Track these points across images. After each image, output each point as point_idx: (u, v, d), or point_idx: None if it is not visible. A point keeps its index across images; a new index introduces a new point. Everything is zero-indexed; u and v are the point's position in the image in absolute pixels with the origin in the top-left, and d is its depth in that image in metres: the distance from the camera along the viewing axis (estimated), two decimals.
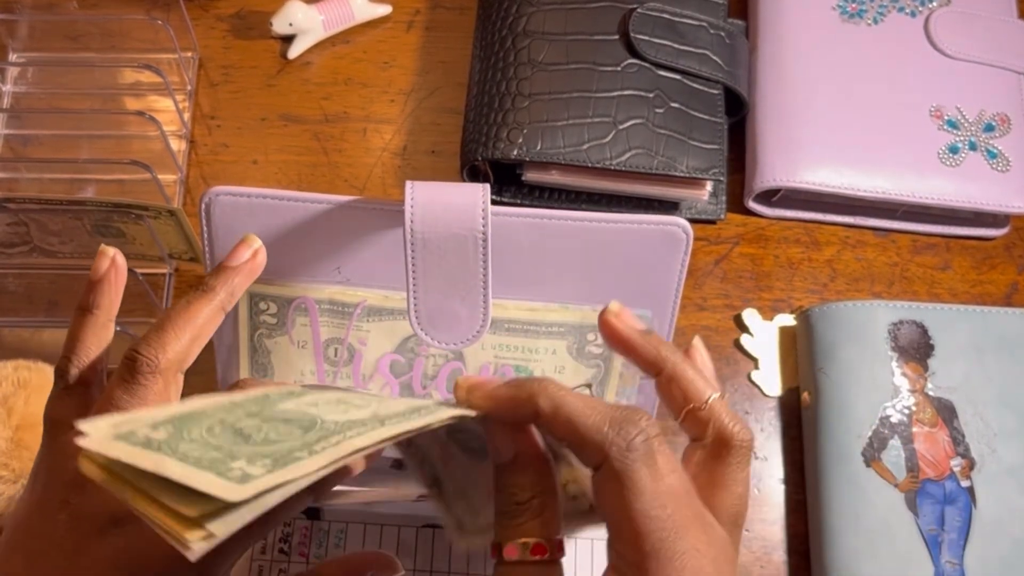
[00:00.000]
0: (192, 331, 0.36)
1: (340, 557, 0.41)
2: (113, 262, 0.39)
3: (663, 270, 0.45)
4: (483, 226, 0.41)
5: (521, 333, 0.48)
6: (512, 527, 0.32)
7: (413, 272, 0.42)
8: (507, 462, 0.33)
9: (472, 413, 0.32)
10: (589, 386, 0.49)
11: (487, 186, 0.41)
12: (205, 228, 0.45)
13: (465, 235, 0.41)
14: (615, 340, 0.36)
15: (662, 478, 0.30)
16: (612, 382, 0.49)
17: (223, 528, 0.23)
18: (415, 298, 0.43)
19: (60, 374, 0.37)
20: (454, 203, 0.41)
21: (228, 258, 0.39)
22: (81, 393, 0.37)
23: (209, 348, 0.50)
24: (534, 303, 0.47)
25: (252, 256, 0.39)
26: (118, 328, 0.39)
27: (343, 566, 0.41)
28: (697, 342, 0.39)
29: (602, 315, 0.36)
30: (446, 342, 0.44)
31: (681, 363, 0.35)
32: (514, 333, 0.48)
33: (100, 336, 0.38)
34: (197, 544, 0.23)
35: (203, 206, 0.44)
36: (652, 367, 0.36)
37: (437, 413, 0.30)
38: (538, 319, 0.47)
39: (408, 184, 0.41)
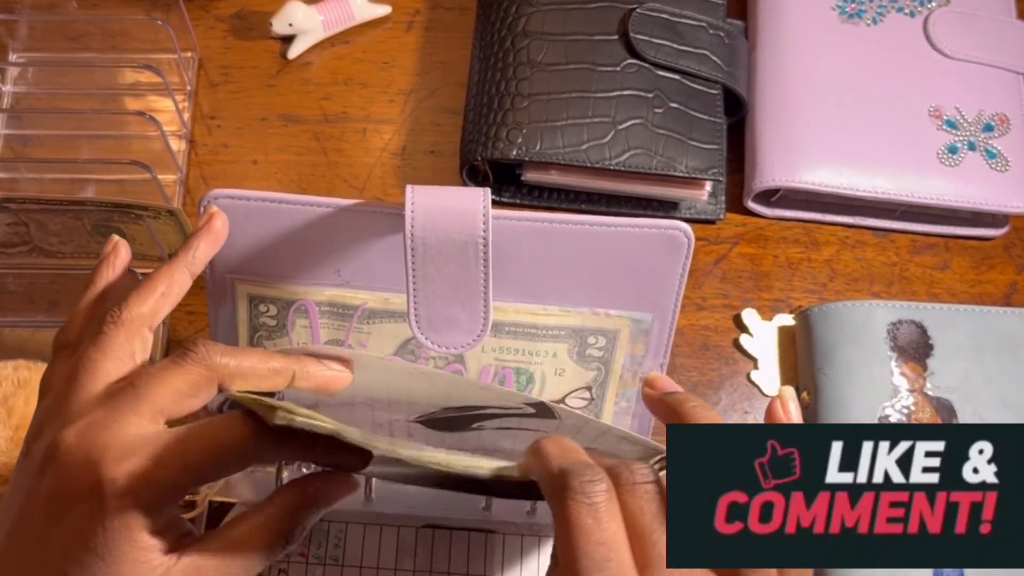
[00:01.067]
0: (152, 290, 0.38)
1: (294, 480, 0.39)
2: (115, 246, 0.42)
3: (664, 274, 0.45)
4: (484, 231, 0.41)
5: (522, 336, 0.48)
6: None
7: (413, 277, 0.42)
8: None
9: (513, 471, 0.36)
10: (589, 388, 0.49)
11: (487, 190, 0.41)
12: None
13: (466, 240, 0.41)
14: (650, 407, 0.40)
15: (606, 524, 0.31)
16: (612, 384, 0.49)
17: (296, 420, 0.32)
18: (415, 302, 0.43)
19: (55, 344, 0.39)
20: (455, 208, 0.41)
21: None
22: (70, 355, 0.38)
23: None
24: (535, 306, 0.47)
25: (208, 220, 0.41)
26: None
27: (296, 491, 0.38)
28: (787, 393, 0.38)
29: (642, 387, 0.41)
30: (446, 346, 0.44)
31: (691, 411, 0.37)
32: (515, 336, 0.48)
33: (94, 308, 0.40)
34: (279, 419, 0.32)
35: (202, 208, 0.44)
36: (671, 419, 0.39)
37: (484, 463, 0.36)
38: (539, 322, 0.47)
39: (408, 188, 0.41)
